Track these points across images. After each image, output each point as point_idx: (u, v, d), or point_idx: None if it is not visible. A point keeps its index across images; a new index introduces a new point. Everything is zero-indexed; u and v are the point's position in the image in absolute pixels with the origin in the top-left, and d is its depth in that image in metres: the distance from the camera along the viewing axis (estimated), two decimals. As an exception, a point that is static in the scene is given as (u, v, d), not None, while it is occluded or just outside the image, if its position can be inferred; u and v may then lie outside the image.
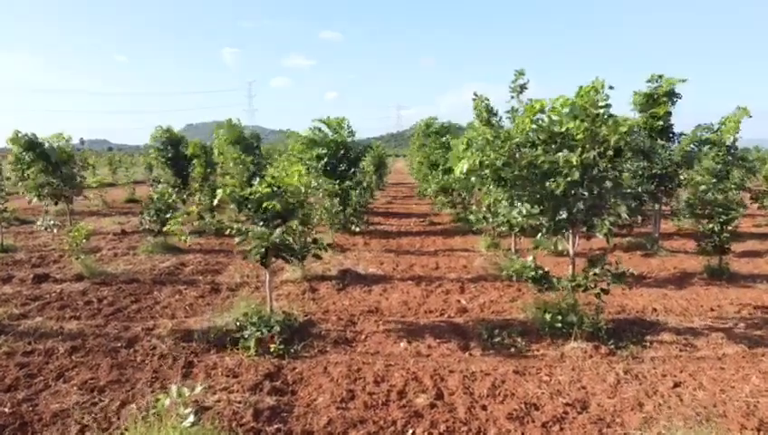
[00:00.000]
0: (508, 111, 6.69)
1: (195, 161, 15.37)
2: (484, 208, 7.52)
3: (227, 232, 4.47)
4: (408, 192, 23.18)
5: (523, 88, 6.45)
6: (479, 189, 8.16)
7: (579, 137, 4.38)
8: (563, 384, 3.72)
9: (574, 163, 4.26)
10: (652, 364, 4.11)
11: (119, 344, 4.42)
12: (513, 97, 6.46)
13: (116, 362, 4.07)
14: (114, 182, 24.96)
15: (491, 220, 7.54)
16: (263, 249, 4.28)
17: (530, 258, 4.90)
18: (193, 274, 7.04)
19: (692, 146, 8.84)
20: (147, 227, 8.11)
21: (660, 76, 8.90)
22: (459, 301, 5.81)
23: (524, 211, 4.61)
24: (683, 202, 8.57)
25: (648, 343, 4.52)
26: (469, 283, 6.62)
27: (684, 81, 8.74)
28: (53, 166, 11.58)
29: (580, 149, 4.38)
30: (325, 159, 9.88)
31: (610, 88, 4.52)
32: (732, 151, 10.08)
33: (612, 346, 4.39)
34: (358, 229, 10.79)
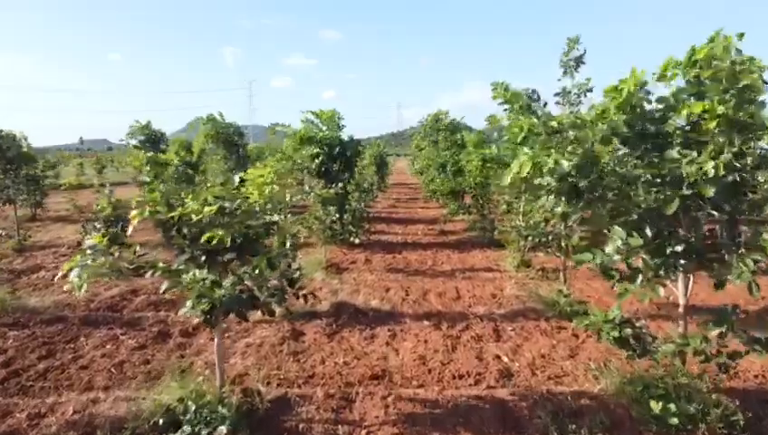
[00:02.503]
0: (558, 94, 5.08)
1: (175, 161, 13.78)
2: (521, 221, 5.87)
3: (151, 274, 2.84)
4: (412, 193, 21.55)
5: (579, 62, 4.83)
6: (516, 198, 6.50)
7: (710, 126, 2.74)
8: None
9: (710, 171, 2.61)
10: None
11: (-28, 455, 2.80)
12: (565, 74, 4.84)
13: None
14: (95, 184, 23.28)
15: (536, 238, 5.84)
16: (205, 304, 2.66)
17: (615, 308, 3.26)
18: (142, 307, 5.40)
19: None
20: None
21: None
22: (499, 356, 4.17)
23: (619, 243, 2.96)
24: None
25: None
26: (505, 322, 4.98)
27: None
28: (3, 165, 9.97)
29: (711, 146, 2.75)
30: (320, 159, 8.25)
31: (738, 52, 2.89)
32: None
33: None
34: (357, 241, 9.16)
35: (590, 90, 4.73)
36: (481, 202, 9.26)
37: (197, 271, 2.71)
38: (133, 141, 14.27)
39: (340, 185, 8.54)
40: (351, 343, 4.47)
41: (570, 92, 4.82)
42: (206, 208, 2.59)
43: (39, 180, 12.63)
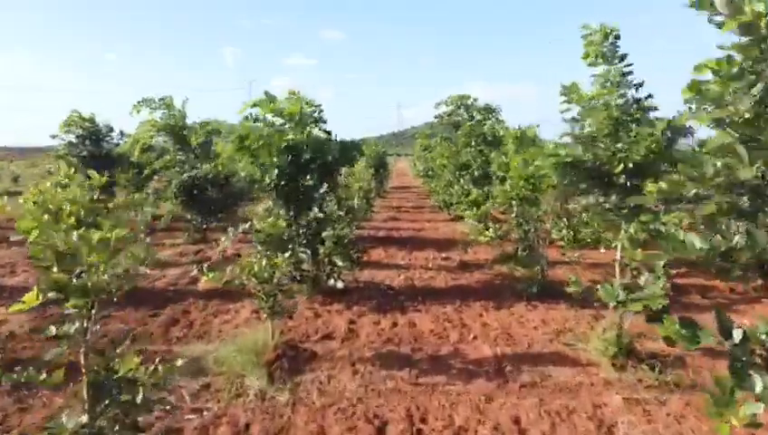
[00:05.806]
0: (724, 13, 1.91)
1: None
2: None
3: None
4: (416, 199, 18.43)
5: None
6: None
7: None
8: None
9: None
10: None
11: None
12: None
13: None
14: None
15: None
16: None
17: None
18: None
19: None
20: None
21: None
22: None
23: None
24: None
25: None
26: None
27: None
28: None
29: None
30: (276, 172, 5.15)
31: None
32: None
33: None
34: (340, 285, 6.06)
35: None
36: (525, 227, 6.13)
37: None
38: (70, 137, 11.24)
39: (315, 211, 5.46)
40: None
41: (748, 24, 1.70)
42: None
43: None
